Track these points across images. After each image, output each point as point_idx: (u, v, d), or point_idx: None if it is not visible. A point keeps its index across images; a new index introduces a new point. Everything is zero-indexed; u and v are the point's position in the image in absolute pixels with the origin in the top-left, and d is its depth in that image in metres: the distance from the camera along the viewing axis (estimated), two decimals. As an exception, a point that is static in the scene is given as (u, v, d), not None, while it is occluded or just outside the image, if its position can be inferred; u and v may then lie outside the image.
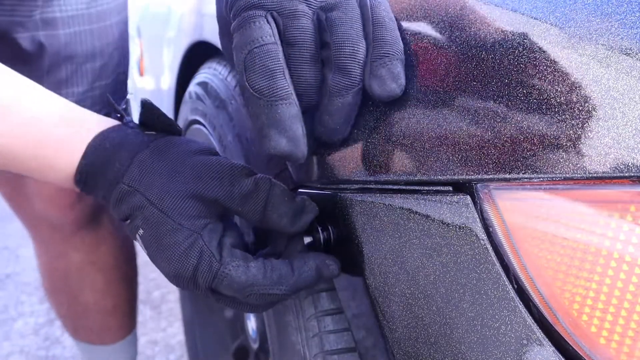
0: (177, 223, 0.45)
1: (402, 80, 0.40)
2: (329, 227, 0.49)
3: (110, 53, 0.79)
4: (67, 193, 0.88)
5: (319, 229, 0.49)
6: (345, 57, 0.41)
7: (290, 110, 0.40)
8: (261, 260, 0.46)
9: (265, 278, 0.45)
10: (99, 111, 0.79)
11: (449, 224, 0.38)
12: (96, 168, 0.48)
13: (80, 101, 0.76)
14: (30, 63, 0.72)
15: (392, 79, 0.40)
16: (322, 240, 0.49)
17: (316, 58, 0.42)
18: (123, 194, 0.47)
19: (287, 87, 0.41)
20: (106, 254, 1.01)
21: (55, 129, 0.48)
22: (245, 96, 0.42)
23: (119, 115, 0.53)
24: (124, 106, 0.58)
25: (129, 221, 0.48)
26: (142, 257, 0.79)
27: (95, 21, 0.76)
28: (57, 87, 0.75)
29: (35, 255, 1.05)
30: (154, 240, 0.46)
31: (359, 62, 0.41)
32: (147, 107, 0.50)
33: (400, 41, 0.41)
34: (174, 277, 0.46)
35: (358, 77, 0.41)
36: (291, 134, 0.40)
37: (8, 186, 0.92)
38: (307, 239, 0.49)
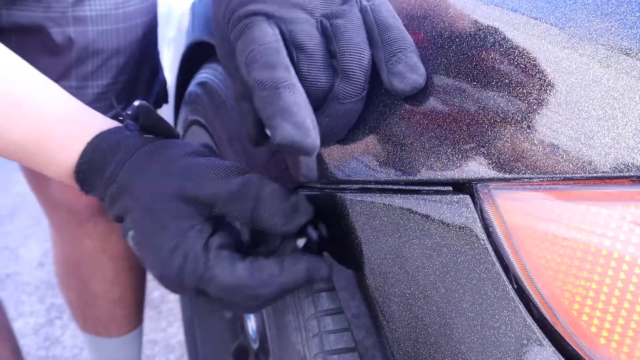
0: (161, 225, 0.45)
1: (422, 70, 0.40)
2: (321, 226, 0.48)
3: (133, 51, 0.84)
4: None
5: (312, 229, 0.48)
6: (351, 64, 0.41)
7: (295, 97, 0.39)
8: (249, 261, 0.45)
9: (252, 278, 0.44)
10: (120, 105, 0.83)
11: (449, 224, 0.38)
12: (93, 168, 0.48)
13: (105, 93, 0.83)
14: (60, 55, 0.78)
15: (411, 71, 0.40)
16: (316, 241, 0.48)
17: (327, 63, 0.42)
18: (115, 195, 0.47)
19: (291, 77, 0.40)
20: (117, 244, 1.03)
21: (58, 126, 0.49)
22: (252, 94, 0.41)
23: (121, 118, 0.53)
24: (129, 112, 0.58)
25: (122, 223, 0.48)
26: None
27: (122, 21, 0.81)
28: (84, 78, 0.80)
29: (52, 242, 1.10)
30: (142, 241, 0.46)
31: (364, 70, 0.41)
32: (144, 110, 0.50)
33: (409, 36, 0.41)
34: (160, 279, 0.46)
35: (363, 84, 0.41)
36: (298, 120, 0.38)
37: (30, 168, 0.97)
38: (301, 242, 0.48)
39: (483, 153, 0.36)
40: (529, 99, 0.35)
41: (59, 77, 0.79)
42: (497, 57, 0.36)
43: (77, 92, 0.81)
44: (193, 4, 0.92)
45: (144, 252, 0.46)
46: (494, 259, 0.36)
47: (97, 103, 0.83)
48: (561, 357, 0.34)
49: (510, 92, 0.36)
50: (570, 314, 0.34)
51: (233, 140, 0.67)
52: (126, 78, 0.85)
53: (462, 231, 0.37)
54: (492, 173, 0.36)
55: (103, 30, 0.79)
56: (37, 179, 0.98)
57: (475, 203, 0.37)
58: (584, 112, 0.33)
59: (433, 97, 0.40)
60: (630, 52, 0.32)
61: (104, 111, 0.69)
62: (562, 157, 0.34)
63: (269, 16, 0.42)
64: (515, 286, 0.35)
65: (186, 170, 0.46)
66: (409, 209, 0.40)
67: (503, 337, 0.36)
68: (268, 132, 0.48)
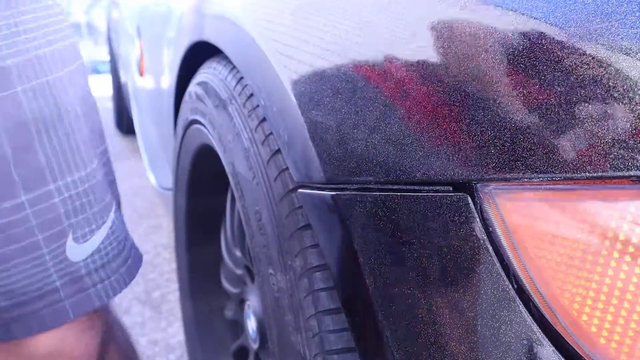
0: None
1: None
2: None
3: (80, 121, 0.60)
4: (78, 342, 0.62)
5: None
6: None
7: None
8: None
9: None
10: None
11: (449, 224, 0.38)
12: None
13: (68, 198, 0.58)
14: None
15: None
16: None
17: None
18: None
19: None
20: None
21: None
22: None
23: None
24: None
25: None
26: (143, 258, 0.76)
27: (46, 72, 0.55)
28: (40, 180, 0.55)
29: None
30: None
31: None
32: None
33: None
34: None
35: None
36: None
37: None
38: None
39: (483, 153, 0.36)
40: (529, 99, 0.35)
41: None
42: (497, 57, 0.36)
43: (35, 207, 0.54)
44: (199, 2, 0.92)
45: None
46: (494, 259, 0.36)
47: (73, 218, 0.57)
48: (561, 357, 0.34)
49: (510, 92, 0.36)
50: (570, 314, 0.34)
51: (233, 139, 0.67)
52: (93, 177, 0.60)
53: (462, 231, 0.37)
54: (492, 173, 0.36)
55: (25, 89, 0.50)
56: None
57: (475, 203, 0.37)
58: (584, 111, 0.33)
59: (433, 97, 0.40)
60: (630, 52, 0.32)
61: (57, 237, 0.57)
62: (562, 157, 0.34)
63: None
64: (516, 286, 0.35)
65: None
66: (409, 209, 0.40)
67: (503, 337, 0.36)
68: None
